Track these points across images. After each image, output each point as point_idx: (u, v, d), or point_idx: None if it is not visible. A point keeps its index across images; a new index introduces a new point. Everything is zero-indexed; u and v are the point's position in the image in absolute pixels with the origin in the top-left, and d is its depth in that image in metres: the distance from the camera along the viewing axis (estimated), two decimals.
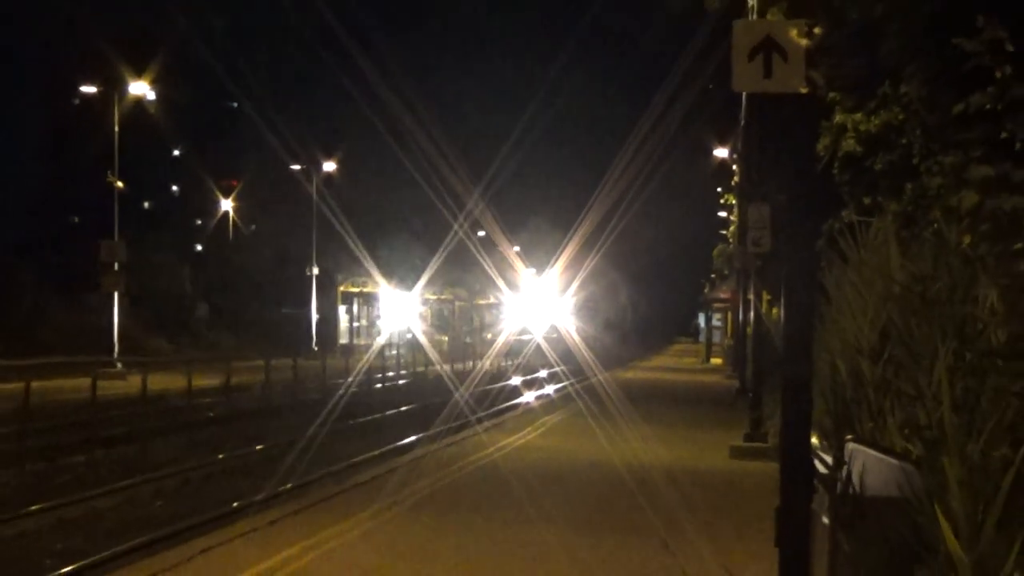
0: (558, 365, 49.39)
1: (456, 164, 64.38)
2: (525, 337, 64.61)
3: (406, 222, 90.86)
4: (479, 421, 27.36)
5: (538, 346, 56.22)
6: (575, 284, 75.32)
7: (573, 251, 67.07)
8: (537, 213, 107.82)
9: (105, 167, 50.84)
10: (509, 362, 51.74)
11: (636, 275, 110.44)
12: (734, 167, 41.46)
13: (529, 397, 38.18)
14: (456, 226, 67.49)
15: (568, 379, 41.58)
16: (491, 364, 50.55)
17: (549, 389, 41.30)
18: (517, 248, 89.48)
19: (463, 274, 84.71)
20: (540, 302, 75.33)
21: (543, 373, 48.44)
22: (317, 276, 75.88)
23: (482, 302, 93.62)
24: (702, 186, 60.69)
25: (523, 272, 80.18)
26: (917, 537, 6.37)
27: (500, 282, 78.68)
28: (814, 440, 8.53)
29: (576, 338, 60.21)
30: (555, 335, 64.90)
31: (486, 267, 75.44)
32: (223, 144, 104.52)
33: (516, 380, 45.03)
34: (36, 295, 60.15)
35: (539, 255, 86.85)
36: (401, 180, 78.08)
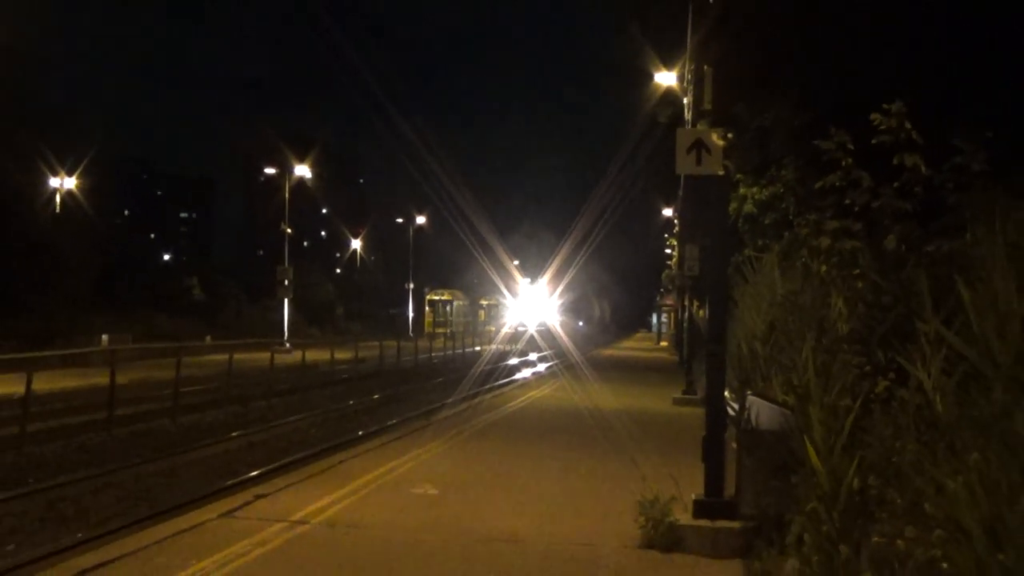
0: (548, 349, 48.34)
1: (482, 214, 65.52)
2: (521, 329, 63.15)
3: (464, 254, 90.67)
4: (509, 384, 27.39)
5: (532, 336, 55.08)
6: (559, 290, 73.30)
7: (558, 265, 66.09)
8: (532, 227, 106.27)
9: (279, 219, 51.25)
10: (516, 346, 50.58)
11: (609, 284, 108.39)
12: (676, 221, 41.24)
13: (538, 368, 37.53)
14: (485, 260, 68.11)
15: (557, 359, 40.70)
16: (508, 348, 49.41)
17: (550, 363, 40.46)
18: (540, 278, 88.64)
19: (495, 285, 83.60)
20: (534, 303, 72.74)
21: (541, 354, 47.31)
22: (412, 289, 76.58)
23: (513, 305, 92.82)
24: (655, 228, 59.71)
25: (521, 281, 78.28)
26: (792, 456, 6.34)
27: (507, 290, 77.32)
28: (727, 394, 8.52)
29: (560, 331, 59.09)
30: (543, 328, 63.23)
31: (510, 285, 74.89)
32: (353, 205, 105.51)
33: (528, 358, 44.02)
34: (236, 301, 60.68)
35: (532, 264, 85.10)
36: (455, 231, 78.08)
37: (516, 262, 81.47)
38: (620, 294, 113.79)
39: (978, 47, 11.98)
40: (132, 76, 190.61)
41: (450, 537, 7.65)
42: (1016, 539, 3.59)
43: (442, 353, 42.48)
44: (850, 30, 12.57)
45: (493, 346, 48.12)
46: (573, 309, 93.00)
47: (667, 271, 54.71)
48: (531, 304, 72.60)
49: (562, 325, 68.23)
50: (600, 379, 25.78)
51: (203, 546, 7.17)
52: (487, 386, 25.35)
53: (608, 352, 51.68)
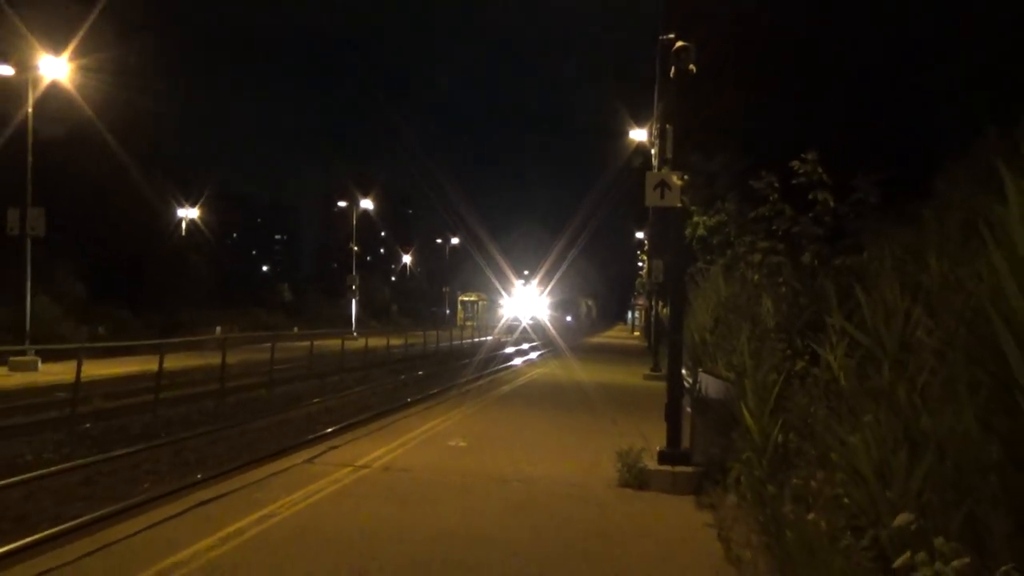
0: (540, 340, 46.30)
1: (487, 228, 64.96)
2: (515, 322, 61.32)
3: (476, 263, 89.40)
4: (515, 366, 27.27)
5: (525, 328, 54.00)
6: (549, 288, 69.62)
7: (549, 267, 64.62)
8: (529, 231, 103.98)
9: (349, 240, 51.46)
10: (512, 337, 49.15)
11: (596, 285, 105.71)
12: (645, 240, 40.98)
13: (535, 355, 36.93)
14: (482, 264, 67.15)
15: (549, 348, 39.57)
16: (506, 338, 47.28)
17: (543, 352, 39.13)
18: (532, 279, 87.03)
19: (501, 286, 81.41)
20: (527, 300, 68.56)
21: (533, 343, 45.81)
22: (447, 291, 76.53)
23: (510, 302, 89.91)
24: (631, 244, 58.60)
25: (516, 282, 73.66)
26: (732, 417, 6.34)
27: (506, 292, 74.85)
28: (684, 371, 8.51)
29: (550, 324, 57.71)
30: (534, 322, 59.92)
31: (507, 287, 73.42)
32: (404, 229, 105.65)
33: (524, 347, 42.74)
34: (316, 301, 60.79)
35: (526, 265, 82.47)
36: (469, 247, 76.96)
37: (526, 272, 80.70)
38: (604, 293, 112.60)
39: (874, 111, 12.00)
40: (238, 128, 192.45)
41: (476, 477, 7.67)
42: (899, 480, 3.60)
43: (469, 341, 42.33)
44: (778, 97, 12.58)
45: (492, 336, 47.26)
46: (563, 306, 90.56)
47: (639, 279, 54.34)
48: (525, 301, 68.55)
49: (552, 320, 65.94)
50: (586, 361, 25.66)
51: (291, 484, 7.23)
52: (500, 367, 25.26)
53: (593, 340, 51.41)
